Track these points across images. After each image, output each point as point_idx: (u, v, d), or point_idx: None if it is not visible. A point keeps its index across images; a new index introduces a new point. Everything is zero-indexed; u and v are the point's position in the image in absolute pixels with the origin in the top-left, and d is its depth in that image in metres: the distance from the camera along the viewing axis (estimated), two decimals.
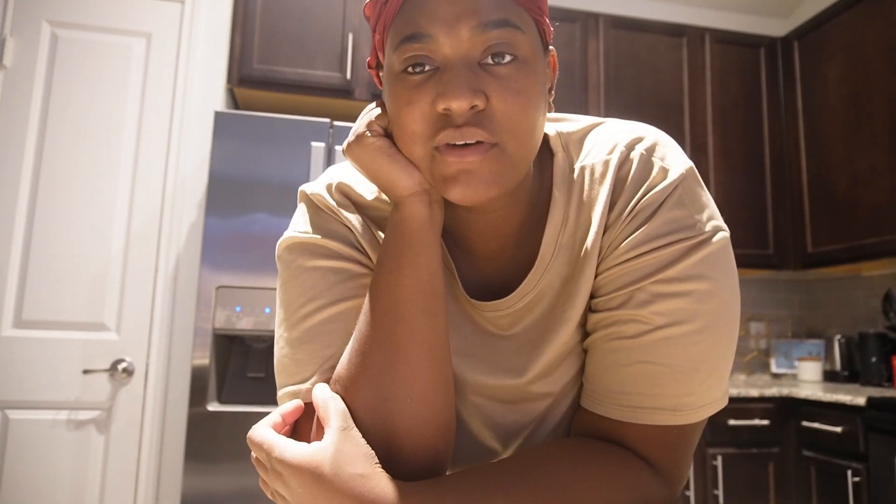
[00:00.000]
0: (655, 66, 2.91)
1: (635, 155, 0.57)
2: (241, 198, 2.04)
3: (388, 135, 0.56)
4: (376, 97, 2.45)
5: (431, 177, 0.53)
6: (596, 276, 0.58)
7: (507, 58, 0.51)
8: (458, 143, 0.50)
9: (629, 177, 0.56)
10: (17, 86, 2.14)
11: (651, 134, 0.59)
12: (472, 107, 0.49)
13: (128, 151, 2.21)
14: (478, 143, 0.50)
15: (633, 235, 0.54)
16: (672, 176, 0.55)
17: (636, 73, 2.88)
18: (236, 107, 2.61)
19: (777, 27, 3.38)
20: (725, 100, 2.96)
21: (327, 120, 2.13)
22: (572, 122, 0.64)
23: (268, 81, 2.37)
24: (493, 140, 0.50)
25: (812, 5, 3.21)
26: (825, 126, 2.79)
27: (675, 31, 2.95)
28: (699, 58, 2.96)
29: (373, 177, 0.56)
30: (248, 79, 2.36)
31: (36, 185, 2.12)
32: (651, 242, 0.54)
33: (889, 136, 2.46)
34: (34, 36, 2.17)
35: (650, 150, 0.57)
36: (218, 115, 2.06)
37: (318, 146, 2.07)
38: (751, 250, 2.86)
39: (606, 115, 2.80)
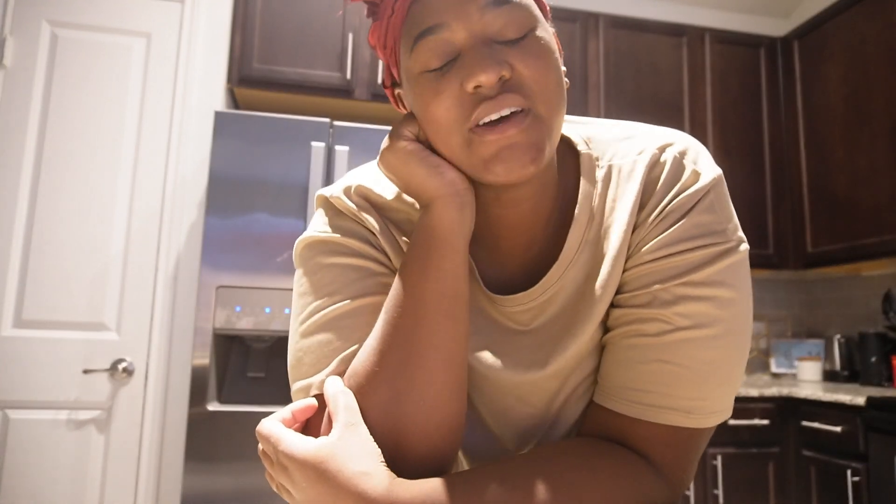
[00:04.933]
0: (655, 66, 2.91)
1: (667, 157, 0.58)
2: (241, 198, 2.04)
3: (420, 142, 0.57)
4: (377, 97, 2.45)
5: (470, 163, 0.53)
6: (622, 273, 0.58)
7: (519, 33, 0.53)
8: (493, 117, 0.51)
9: (661, 178, 0.57)
10: (17, 86, 2.14)
11: (681, 138, 0.60)
12: (500, 77, 0.50)
13: (128, 151, 2.21)
14: (513, 113, 0.51)
15: (663, 235, 0.55)
16: (704, 180, 0.56)
17: (636, 73, 2.88)
18: (236, 107, 2.61)
19: (777, 27, 3.38)
20: (725, 100, 2.96)
21: (327, 120, 2.13)
22: (594, 125, 0.65)
23: (268, 81, 2.37)
24: (527, 105, 0.51)
25: (812, 5, 3.22)
26: (825, 126, 2.79)
27: (675, 31, 2.95)
28: (699, 58, 2.96)
29: (405, 182, 0.56)
30: (248, 79, 2.36)
31: (36, 185, 2.12)
32: (680, 244, 0.54)
33: (889, 136, 2.46)
34: (34, 36, 2.17)
35: (682, 154, 0.58)
36: (218, 115, 2.07)
37: (318, 146, 2.07)
38: (751, 250, 2.85)
39: (606, 115, 2.80)
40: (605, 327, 0.60)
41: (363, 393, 0.52)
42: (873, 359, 2.59)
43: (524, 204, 0.58)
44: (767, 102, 3.01)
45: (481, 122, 0.51)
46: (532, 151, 0.51)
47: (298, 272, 0.64)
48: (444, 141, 0.54)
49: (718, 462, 2.34)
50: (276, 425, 0.53)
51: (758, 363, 3.13)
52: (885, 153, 2.47)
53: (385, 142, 0.57)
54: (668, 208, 0.56)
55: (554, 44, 0.55)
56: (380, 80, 2.45)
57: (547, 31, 0.55)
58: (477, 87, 0.51)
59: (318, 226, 0.64)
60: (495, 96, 0.50)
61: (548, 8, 0.59)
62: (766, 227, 2.91)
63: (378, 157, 0.58)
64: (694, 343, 0.53)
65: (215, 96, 2.32)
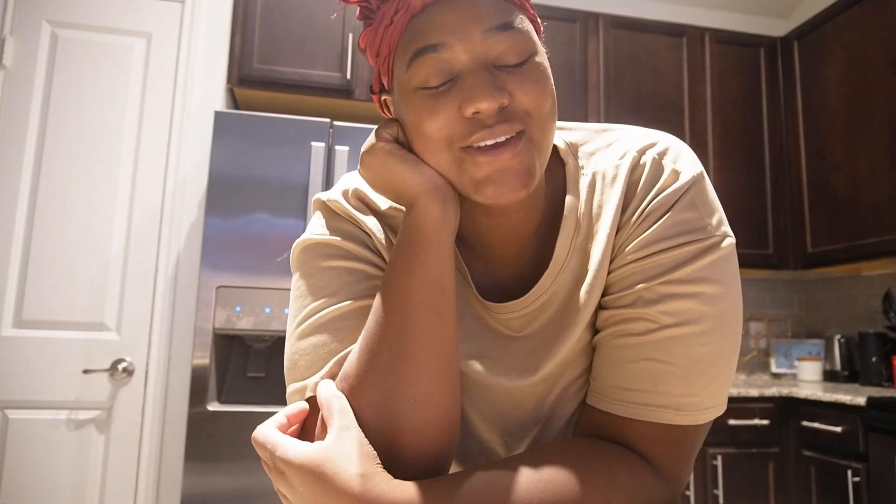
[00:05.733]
0: (655, 66, 2.91)
1: (647, 159, 0.58)
2: (241, 198, 2.04)
3: (399, 143, 0.57)
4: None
5: (460, 181, 0.54)
6: (607, 275, 0.59)
7: (519, 59, 0.53)
8: (489, 142, 0.51)
9: (641, 179, 0.57)
10: (17, 86, 2.14)
11: (663, 139, 0.60)
12: (499, 106, 0.51)
13: (128, 151, 2.21)
14: (507, 139, 0.52)
15: (644, 235, 0.55)
16: (683, 178, 0.56)
17: (636, 73, 2.88)
18: (236, 107, 2.61)
19: (777, 27, 3.38)
20: (725, 100, 2.95)
21: (327, 120, 2.13)
22: (579, 131, 0.65)
23: (268, 81, 2.37)
24: (520, 128, 0.52)
25: (812, 5, 3.21)
26: (825, 126, 2.78)
27: (675, 31, 2.95)
28: (699, 58, 2.96)
29: (386, 182, 0.56)
30: (248, 79, 2.36)
31: (36, 185, 2.12)
32: (661, 243, 0.55)
33: (889, 136, 2.46)
34: (34, 36, 2.17)
35: (662, 154, 0.58)
36: (218, 115, 2.06)
37: (318, 146, 2.07)
38: (751, 250, 2.86)
39: (606, 115, 2.80)
40: (595, 329, 0.61)
41: (355, 393, 0.52)
42: (873, 359, 2.59)
43: (513, 215, 0.59)
44: (767, 102, 3.01)
45: (475, 145, 0.52)
46: (523, 177, 0.52)
47: (295, 275, 0.64)
48: (433, 156, 0.54)
49: (718, 462, 2.34)
50: (271, 431, 0.53)
51: (758, 363, 3.13)
52: (885, 153, 2.47)
53: (364, 145, 0.58)
54: (648, 208, 0.56)
55: (547, 66, 0.56)
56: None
57: (544, 56, 0.56)
58: (475, 112, 0.51)
59: (316, 228, 0.64)
60: (492, 125, 0.51)
61: (541, 28, 0.59)
62: (766, 227, 2.91)
63: (359, 163, 0.58)
64: (681, 340, 0.53)
65: (215, 96, 2.32)
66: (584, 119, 2.78)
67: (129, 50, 2.25)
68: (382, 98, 0.61)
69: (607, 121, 2.79)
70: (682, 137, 2.87)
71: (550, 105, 0.54)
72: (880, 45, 2.52)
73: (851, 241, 2.60)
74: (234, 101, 2.57)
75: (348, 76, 2.40)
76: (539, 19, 0.59)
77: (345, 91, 2.42)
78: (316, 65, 2.40)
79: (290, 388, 0.59)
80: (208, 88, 2.31)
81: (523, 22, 0.55)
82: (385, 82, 0.59)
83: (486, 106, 0.50)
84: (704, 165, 2.87)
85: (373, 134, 0.58)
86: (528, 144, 0.52)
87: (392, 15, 0.55)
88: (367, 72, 2.45)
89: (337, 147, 2.11)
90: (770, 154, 2.97)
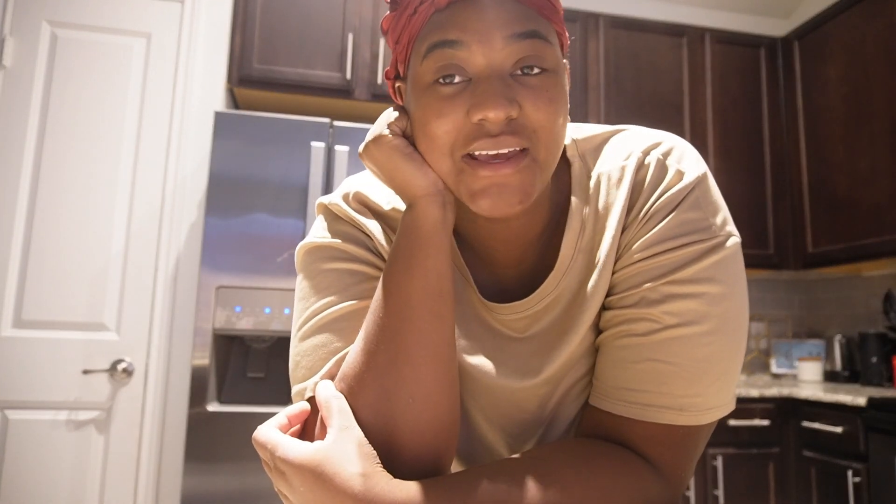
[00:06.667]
0: (655, 66, 2.91)
1: (651, 159, 0.58)
2: (241, 198, 2.04)
3: (406, 137, 0.56)
4: (376, 97, 2.45)
5: (457, 189, 0.54)
6: (612, 275, 0.59)
7: (538, 69, 0.52)
8: (491, 152, 0.51)
9: (646, 179, 0.57)
10: (17, 86, 2.14)
11: (668, 139, 0.60)
12: (507, 116, 0.50)
13: (128, 151, 2.21)
14: (510, 152, 0.51)
15: (649, 235, 0.55)
16: (688, 179, 0.56)
17: (636, 73, 2.88)
18: (236, 107, 2.61)
19: (777, 27, 3.38)
20: (725, 100, 2.95)
21: (327, 120, 2.13)
22: (587, 130, 0.65)
23: (268, 81, 2.37)
24: (525, 146, 0.51)
25: (812, 5, 3.21)
26: (825, 126, 2.78)
27: (675, 31, 2.95)
28: (699, 58, 2.96)
29: (389, 177, 0.56)
30: (248, 79, 2.36)
31: (36, 185, 2.12)
32: (665, 243, 0.54)
33: (889, 136, 2.46)
34: (34, 36, 2.17)
35: (666, 154, 0.58)
36: (218, 115, 2.06)
37: (318, 146, 2.07)
38: (751, 250, 2.86)
39: (606, 116, 2.80)
40: (598, 330, 0.61)
41: (353, 394, 0.53)
42: (874, 359, 2.59)
43: (514, 221, 0.59)
44: (767, 102, 3.01)
45: (476, 154, 0.52)
46: (520, 194, 0.52)
47: (299, 277, 0.65)
48: (435, 159, 0.54)
49: (719, 462, 2.34)
50: (271, 431, 0.53)
51: (758, 363, 3.13)
52: (885, 153, 2.47)
53: (370, 134, 0.57)
54: (653, 208, 0.56)
55: (567, 85, 0.55)
56: (382, 73, 2.45)
57: (564, 74, 0.55)
58: (482, 119, 0.51)
59: (318, 231, 0.65)
60: (497, 135, 0.50)
61: (568, 42, 0.59)
62: (766, 227, 2.91)
63: (361, 148, 0.58)
64: (684, 340, 0.53)
65: (215, 96, 2.31)
66: (585, 119, 2.78)
67: (129, 50, 2.25)
68: (396, 85, 0.61)
69: (607, 121, 2.79)
70: (682, 137, 2.87)
71: (560, 125, 0.53)
72: (880, 45, 2.52)
73: (851, 241, 2.60)
74: (234, 101, 2.57)
75: (348, 76, 2.40)
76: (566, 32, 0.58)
77: (345, 91, 2.42)
78: (315, 65, 2.40)
79: (293, 388, 0.60)
80: (208, 88, 2.31)
81: (550, 35, 0.54)
82: (400, 70, 0.59)
83: (493, 115, 0.50)
84: None
85: (381, 122, 0.57)
86: (531, 163, 0.52)
87: (417, 5, 0.54)
88: (367, 72, 2.45)
89: (337, 147, 2.11)
90: (770, 154, 2.97)
